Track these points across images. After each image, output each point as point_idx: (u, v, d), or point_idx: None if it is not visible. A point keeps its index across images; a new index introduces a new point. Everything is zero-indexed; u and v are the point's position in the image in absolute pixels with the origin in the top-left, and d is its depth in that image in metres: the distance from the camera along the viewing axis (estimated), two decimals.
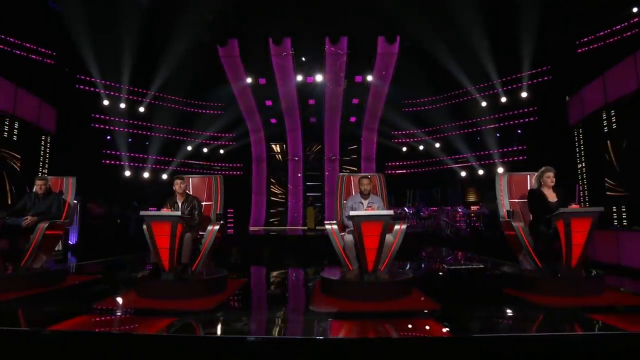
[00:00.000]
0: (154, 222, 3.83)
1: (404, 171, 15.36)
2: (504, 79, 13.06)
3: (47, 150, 9.23)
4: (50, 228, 4.41)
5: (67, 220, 4.75)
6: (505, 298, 3.79)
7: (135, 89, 12.61)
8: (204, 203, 4.78)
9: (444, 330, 2.84)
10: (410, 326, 3.01)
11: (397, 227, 4.21)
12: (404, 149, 15.30)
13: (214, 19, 10.71)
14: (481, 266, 3.84)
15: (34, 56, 10.01)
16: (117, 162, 12.38)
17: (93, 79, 11.37)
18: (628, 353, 2.53)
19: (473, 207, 12.78)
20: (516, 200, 4.74)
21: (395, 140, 15.26)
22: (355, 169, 15.89)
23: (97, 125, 11.98)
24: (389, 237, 3.99)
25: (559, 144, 10.70)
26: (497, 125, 13.44)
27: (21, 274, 4.22)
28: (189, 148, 14.19)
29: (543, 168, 4.40)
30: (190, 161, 14.24)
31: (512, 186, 4.85)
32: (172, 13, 10.66)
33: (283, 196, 15.79)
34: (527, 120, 12.87)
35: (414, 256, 8.78)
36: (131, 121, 12.66)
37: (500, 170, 13.27)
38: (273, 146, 15.83)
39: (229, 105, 14.28)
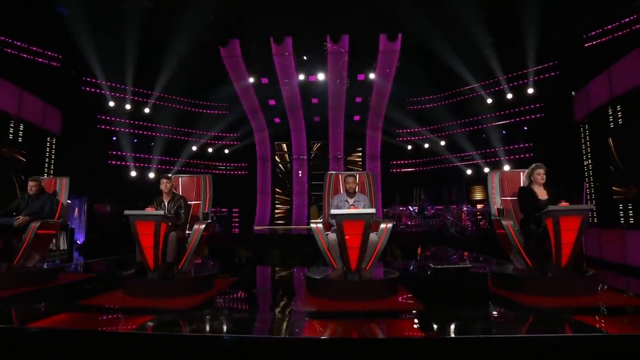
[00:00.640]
0: (138, 221, 3.86)
1: (409, 170, 15.24)
2: (509, 75, 12.82)
3: (53, 152, 9.40)
4: (42, 228, 4.48)
5: (60, 219, 4.82)
6: (491, 298, 3.71)
7: (140, 90, 12.77)
8: (192, 202, 4.80)
9: (421, 330, 2.79)
10: (386, 326, 2.96)
11: (382, 225, 4.16)
12: (409, 147, 15.16)
13: (215, 19, 10.75)
14: (468, 265, 3.75)
15: (40, 59, 10.23)
16: (123, 163, 12.56)
17: (98, 81, 11.55)
18: (605, 356, 2.45)
19: (479, 206, 12.58)
20: (508, 198, 4.64)
21: (400, 139, 15.13)
22: (360, 168, 15.82)
23: (102, 127, 12.17)
24: (373, 236, 3.94)
25: (566, 140, 10.48)
26: (502, 122, 13.21)
27: (14, 273, 4.30)
28: (194, 148, 14.32)
29: (533, 165, 4.30)
30: (195, 161, 14.36)
31: (505, 184, 4.75)
32: (173, 14, 10.74)
33: (288, 195, 15.81)
34: (533, 116, 12.62)
35: (415, 255, 8.71)
36: (136, 122, 12.83)
37: (506, 168, 13.05)
38: (277, 145, 15.86)
39: (233, 105, 14.35)
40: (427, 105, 14.39)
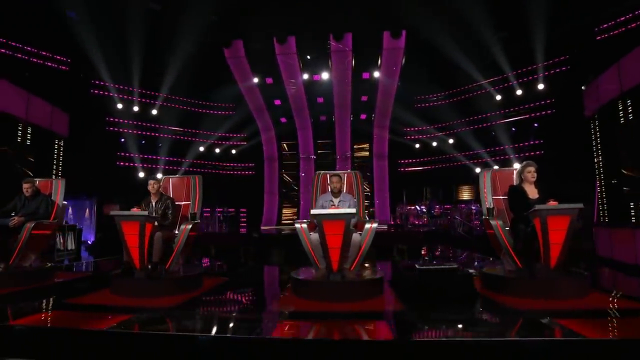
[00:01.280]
0: (124, 222, 3.93)
1: (417, 168, 15.08)
2: (518, 71, 12.55)
3: (61, 154, 9.66)
4: (37, 228, 4.61)
5: (55, 220, 4.95)
6: (476, 300, 3.63)
7: (147, 92, 13.00)
8: (182, 203, 4.86)
9: (395, 333, 2.76)
10: (360, 328, 2.94)
11: (367, 226, 4.14)
12: (417, 145, 15.01)
13: (219, 19, 10.86)
14: (454, 266, 3.69)
15: (49, 63, 10.53)
16: (131, 164, 12.81)
17: (105, 83, 11.80)
18: None
19: None
20: (500, 197, 4.55)
21: (408, 137, 14.99)
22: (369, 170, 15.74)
23: (110, 129, 12.44)
24: (356, 237, 3.92)
25: (577, 137, 10.19)
26: (512, 119, 12.93)
27: (9, 272, 4.44)
28: (201, 149, 14.49)
29: (524, 163, 4.21)
30: (202, 162, 14.54)
31: (497, 182, 4.67)
32: (177, 15, 10.89)
33: (295, 195, 15.86)
34: (543, 113, 12.31)
35: (419, 255, 8.60)
36: (143, 123, 13.07)
37: (516, 166, 12.76)
38: (284, 145, 15.92)
39: (240, 105, 14.47)
40: (435, 103, 14.20)
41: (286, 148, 15.89)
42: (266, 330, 2.92)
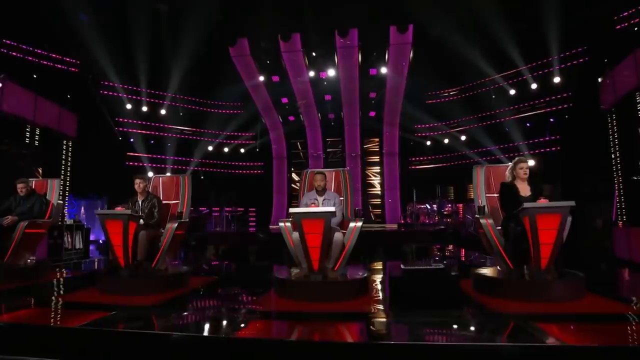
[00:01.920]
0: (108, 220, 4.00)
1: (428, 166, 14.84)
2: (533, 64, 12.17)
3: (69, 154, 9.94)
4: (31, 227, 4.75)
5: (50, 219, 5.08)
6: (459, 302, 3.53)
7: (155, 92, 13.23)
8: (172, 202, 4.91)
9: (368, 334, 2.70)
10: (331, 329, 2.90)
11: (351, 225, 4.08)
12: (428, 143, 14.77)
13: (223, 19, 10.95)
14: (441, 266, 3.59)
15: (59, 65, 10.86)
16: (140, 164, 13.07)
17: (114, 84, 12.08)
18: None
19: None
20: (494, 195, 4.41)
21: (419, 134, 14.77)
22: (378, 166, 15.60)
23: (119, 129, 12.73)
24: (338, 236, 3.87)
25: (595, 132, 9.81)
26: (527, 114, 12.56)
27: (3, 270, 4.58)
28: (210, 148, 14.66)
29: (516, 159, 4.07)
30: (210, 161, 14.71)
31: (492, 180, 4.53)
32: (182, 15, 11.04)
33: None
34: (560, 107, 11.89)
35: (426, 256, 8.45)
36: (152, 123, 13.31)
37: (531, 162, 12.42)
38: (293, 144, 15.94)
39: (248, 104, 14.56)
40: (446, 99, 13.93)
41: (299, 147, 15.89)
42: (235, 330, 2.91)
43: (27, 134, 8.63)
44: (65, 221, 8.76)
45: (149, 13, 11.24)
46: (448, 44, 11.40)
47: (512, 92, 12.64)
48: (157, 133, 13.69)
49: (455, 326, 2.97)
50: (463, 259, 7.77)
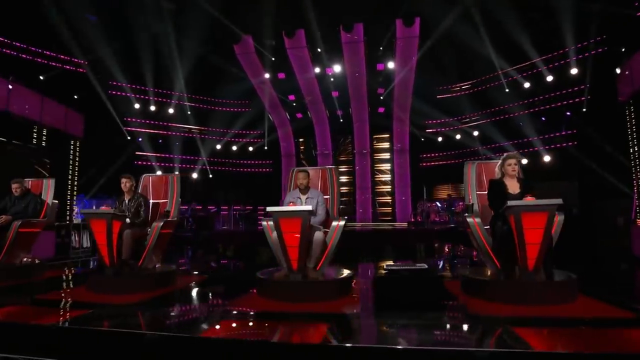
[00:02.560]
0: (92, 219, 4.08)
1: (440, 163, 14.61)
2: (549, 55, 11.80)
3: (77, 154, 10.22)
4: (25, 226, 4.90)
5: (45, 218, 5.23)
6: (442, 303, 3.45)
7: (162, 91, 13.46)
8: (161, 201, 4.98)
9: (335, 337, 2.68)
10: (302, 330, 2.88)
11: (334, 223, 4.05)
12: (439, 139, 14.53)
13: (227, 16, 11.03)
14: (424, 267, 3.52)
15: (67, 67, 11.17)
16: (149, 163, 13.33)
17: (121, 84, 12.33)
18: None
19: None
20: (485, 193, 4.28)
21: (429, 131, 14.55)
22: (388, 163, 15.45)
23: (127, 128, 13.00)
24: (318, 235, 3.84)
25: (613, 125, 9.45)
26: (541, 107, 12.19)
27: None
28: (218, 147, 14.83)
29: (505, 155, 3.94)
30: (218, 159, 14.87)
31: (483, 177, 4.42)
32: (187, 14, 11.17)
33: None
34: (577, 100, 11.49)
35: (435, 255, 8.32)
36: (160, 122, 13.54)
37: (547, 158, 12.09)
38: (301, 141, 15.95)
39: (255, 102, 14.64)
40: (457, 94, 13.66)
41: (314, 146, 15.88)
42: (203, 329, 2.92)
43: (35, 135, 8.91)
44: (74, 220, 9.05)
45: (153, 12, 11.42)
46: (458, 36, 11.18)
47: (527, 85, 12.30)
48: (164, 132, 13.92)
49: (429, 329, 2.90)
50: (475, 259, 7.61)
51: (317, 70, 12.99)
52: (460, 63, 12.51)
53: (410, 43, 11.83)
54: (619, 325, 2.83)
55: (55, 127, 9.46)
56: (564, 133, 11.81)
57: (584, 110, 11.17)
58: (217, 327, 3.01)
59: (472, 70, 12.98)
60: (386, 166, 15.52)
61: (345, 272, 4.13)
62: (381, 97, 13.68)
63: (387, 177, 15.46)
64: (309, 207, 3.59)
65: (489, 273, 3.93)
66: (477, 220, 3.86)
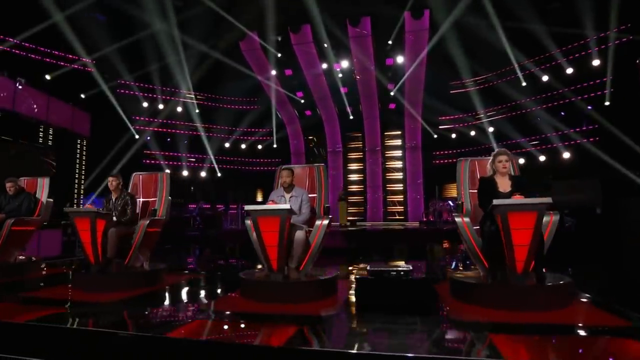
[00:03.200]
0: (76, 218, 4.16)
1: (454, 160, 14.29)
2: (569, 46, 11.39)
3: (84, 153, 10.49)
4: (18, 224, 5.04)
5: (39, 217, 5.37)
6: (425, 307, 3.33)
7: (170, 89, 13.66)
8: (150, 199, 5.03)
9: (298, 339, 2.64)
10: (270, 332, 2.84)
11: (317, 222, 4.01)
12: (453, 136, 14.23)
13: (232, 13, 11.10)
14: (409, 268, 3.43)
15: (75, 66, 11.46)
16: (157, 162, 13.56)
17: (128, 82, 12.57)
18: None
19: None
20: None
21: (442, 127, 14.27)
22: (400, 161, 15.25)
23: (135, 127, 13.25)
24: (299, 234, 3.79)
25: (637, 119, 9.06)
26: (560, 102, 11.78)
27: None
28: (227, 145, 14.96)
29: (495, 151, 3.79)
30: (227, 157, 14.99)
31: (477, 174, 4.29)
32: (194, 12, 11.30)
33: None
34: (599, 93, 11.04)
35: (447, 255, 8.16)
36: (167, 121, 13.75)
37: (566, 155, 11.69)
38: (311, 139, 15.92)
39: (263, 100, 14.69)
40: (471, 89, 13.32)
41: (317, 142, 15.85)
42: (168, 329, 2.92)
43: (41, 134, 9.18)
44: None
45: (160, 9, 11.58)
46: (469, 28, 10.91)
47: (545, 78, 11.90)
48: (172, 130, 14.13)
49: (401, 334, 2.82)
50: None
51: (325, 66, 12.92)
52: (473, 56, 12.19)
53: (419, 36, 11.62)
54: (610, 334, 2.67)
55: (62, 127, 9.73)
56: (584, 128, 11.37)
57: (607, 103, 10.75)
58: (183, 327, 3.00)
59: (488, 64, 12.63)
60: (398, 164, 15.32)
61: (332, 273, 4.08)
62: (391, 93, 13.48)
63: (399, 175, 15.26)
64: (287, 206, 3.55)
65: (477, 276, 3.80)
66: (466, 220, 3.74)
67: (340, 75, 13.18)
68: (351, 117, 14.72)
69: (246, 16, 11.22)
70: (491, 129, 13.18)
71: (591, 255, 7.25)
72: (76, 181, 10.33)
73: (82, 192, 10.51)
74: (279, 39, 12.22)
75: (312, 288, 3.73)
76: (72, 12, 10.21)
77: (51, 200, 5.59)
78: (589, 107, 11.32)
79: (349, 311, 3.38)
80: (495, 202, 3.22)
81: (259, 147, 15.70)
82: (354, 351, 2.30)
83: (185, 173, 14.11)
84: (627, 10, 9.67)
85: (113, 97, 11.65)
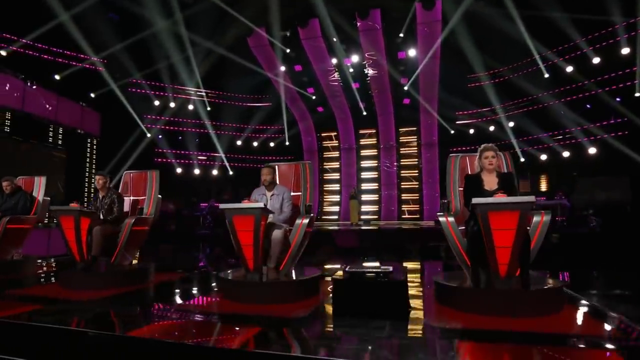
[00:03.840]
0: (61, 216, 4.28)
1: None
2: (595, 34, 10.87)
3: (94, 152, 10.82)
4: (14, 222, 5.23)
5: (35, 215, 5.56)
6: (401, 311, 3.24)
7: (180, 87, 13.88)
8: (140, 198, 5.12)
9: (247, 342, 2.62)
10: (235, 334, 2.84)
11: (298, 221, 3.97)
12: (471, 131, 13.86)
13: (240, 10, 11.17)
14: (389, 269, 3.34)
15: (86, 65, 11.81)
16: (168, 160, 13.83)
17: (138, 81, 12.85)
18: None
19: (541, 198, 10.95)
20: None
21: (459, 123, 13.92)
22: (416, 159, 15.00)
23: (147, 125, 13.55)
24: (277, 233, 3.77)
25: None
26: (586, 94, 11.27)
27: None
28: (239, 142, 15.09)
29: (482, 146, 3.64)
30: (239, 155, 15.12)
31: (467, 171, 4.14)
32: (202, 9, 11.42)
33: (337, 189, 15.74)
34: (629, 84, 10.50)
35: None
36: (178, 119, 13.99)
37: (592, 150, 11.20)
38: (323, 136, 15.87)
39: (275, 96, 14.73)
40: (490, 82, 12.92)
41: (331, 139, 15.79)
42: (135, 328, 2.96)
43: (50, 133, 9.52)
44: None
45: (166, 8, 11.77)
46: (485, 18, 10.58)
47: (569, 69, 11.41)
48: (183, 129, 14.37)
49: (367, 339, 2.75)
50: None
51: (335, 61, 12.83)
52: (489, 48, 11.81)
53: (432, 28, 11.35)
54: (592, 346, 2.52)
55: (71, 126, 10.06)
56: (612, 122, 10.84)
57: (637, 95, 10.22)
58: (146, 326, 3.03)
59: (507, 55, 12.21)
60: (413, 161, 15.06)
61: (314, 273, 4.03)
62: (405, 88, 13.26)
63: (414, 173, 15.01)
64: (260, 204, 3.53)
65: (463, 278, 3.67)
66: (450, 219, 3.62)
67: (351, 70, 13.05)
68: (364, 113, 14.58)
69: (252, 10, 11.25)
70: (511, 124, 12.77)
71: (618, 257, 6.92)
72: (86, 180, 10.66)
73: (92, 191, 10.84)
74: (287, 34, 12.21)
75: (290, 288, 3.70)
76: (81, 12, 10.53)
77: (48, 198, 5.78)
78: (617, 99, 10.80)
79: (322, 313, 3.32)
80: (474, 200, 3.10)
81: (271, 144, 15.77)
82: (298, 354, 2.25)
83: (197, 171, 14.33)
84: None
85: (123, 96, 11.94)
